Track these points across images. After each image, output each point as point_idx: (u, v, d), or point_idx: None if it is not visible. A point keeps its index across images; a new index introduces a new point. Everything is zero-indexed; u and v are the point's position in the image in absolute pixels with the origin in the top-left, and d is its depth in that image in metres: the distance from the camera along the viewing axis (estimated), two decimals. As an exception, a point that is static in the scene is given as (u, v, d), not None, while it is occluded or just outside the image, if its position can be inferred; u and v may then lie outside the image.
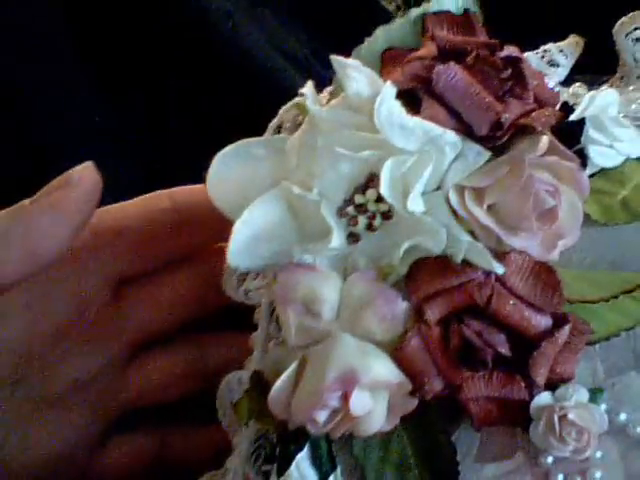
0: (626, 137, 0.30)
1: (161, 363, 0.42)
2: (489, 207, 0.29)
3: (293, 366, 0.29)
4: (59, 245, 0.36)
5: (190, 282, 0.41)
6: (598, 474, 0.30)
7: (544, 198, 0.28)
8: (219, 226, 0.36)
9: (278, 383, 0.29)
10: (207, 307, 0.41)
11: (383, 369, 0.29)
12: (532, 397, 0.30)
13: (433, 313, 0.29)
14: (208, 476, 0.35)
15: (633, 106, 0.31)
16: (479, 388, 0.30)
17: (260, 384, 0.31)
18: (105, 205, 0.39)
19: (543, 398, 0.30)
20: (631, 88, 0.35)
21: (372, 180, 0.30)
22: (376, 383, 0.29)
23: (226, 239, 0.32)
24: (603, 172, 0.31)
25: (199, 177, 0.39)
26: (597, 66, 0.39)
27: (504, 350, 0.29)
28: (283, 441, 0.31)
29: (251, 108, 0.47)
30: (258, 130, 0.35)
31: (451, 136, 0.29)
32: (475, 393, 0.30)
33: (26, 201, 0.36)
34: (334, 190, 0.30)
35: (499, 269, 0.29)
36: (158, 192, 0.41)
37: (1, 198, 0.38)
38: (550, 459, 0.30)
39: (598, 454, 0.30)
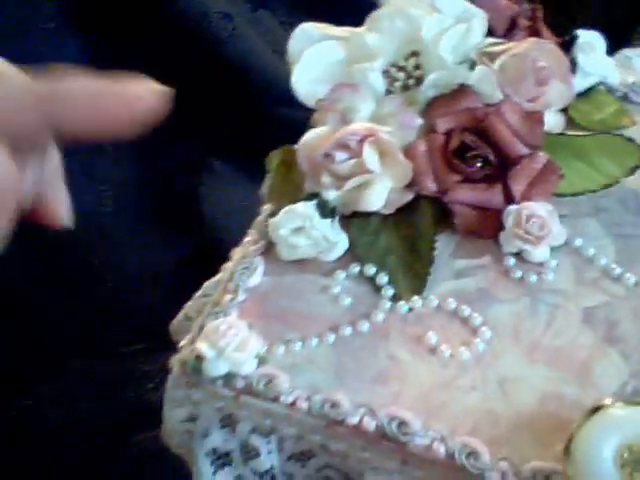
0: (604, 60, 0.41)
1: None
2: (500, 67, 0.38)
3: (323, 127, 0.37)
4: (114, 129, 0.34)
5: None
6: (551, 276, 0.35)
7: (538, 63, 0.38)
8: None
9: (308, 135, 0.36)
10: None
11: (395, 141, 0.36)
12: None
13: (442, 125, 0.37)
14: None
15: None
16: (465, 193, 0.37)
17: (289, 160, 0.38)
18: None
19: (514, 207, 0.36)
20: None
21: (414, 55, 0.40)
22: (387, 144, 0.36)
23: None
24: (585, 96, 0.41)
25: (199, 176, 0.43)
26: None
27: (491, 157, 0.36)
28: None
29: (250, 109, 0.51)
30: (257, 131, 0.41)
31: (480, 13, 0.39)
32: (461, 197, 0.37)
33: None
34: (385, 52, 0.40)
35: (499, 96, 0.37)
36: None
37: None
38: (512, 260, 0.36)
39: (554, 262, 0.35)
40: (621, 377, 0.32)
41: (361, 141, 0.36)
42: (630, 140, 0.38)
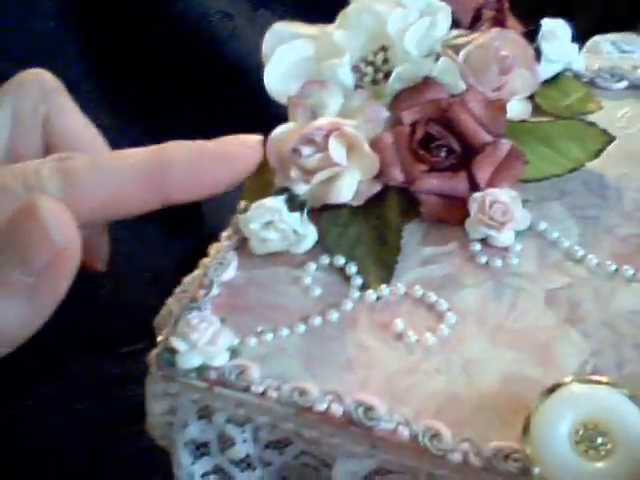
0: (568, 47, 0.41)
1: None
2: (464, 58, 0.39)
3: (291, 123, 0.37)
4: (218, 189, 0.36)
5: None
6: (515, 260, 0.36)
7: (501, 53, 0.38)
8: None
9: (277, 130, 0.37)
10: None
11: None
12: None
13: (408, 117, 0.38)
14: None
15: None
16: (431, 182, 0.37)
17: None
18: None
19: (479, 194, 0.37)
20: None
21: (383, 50, 0.41)
22: (353, 137, 0.37)
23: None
24: (551, 83, 0.41)
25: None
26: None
27: (455, 146, 0.37)
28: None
29: (248, 110, 0.50)
30: (257, 130, 0.41)
31: (444, 7, 0.40)
32: (427, 186, 0.37)
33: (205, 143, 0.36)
34: (354, 47, 0.41)
35: (462, 86, 0.38)
36: None
37: None
38: (478, 246, 0.36)
39: (518, 247, 0.36)
40: (582, 356, 0.32)
41: (326, 136, 0.37)
42: (592, 124, 0.39)
